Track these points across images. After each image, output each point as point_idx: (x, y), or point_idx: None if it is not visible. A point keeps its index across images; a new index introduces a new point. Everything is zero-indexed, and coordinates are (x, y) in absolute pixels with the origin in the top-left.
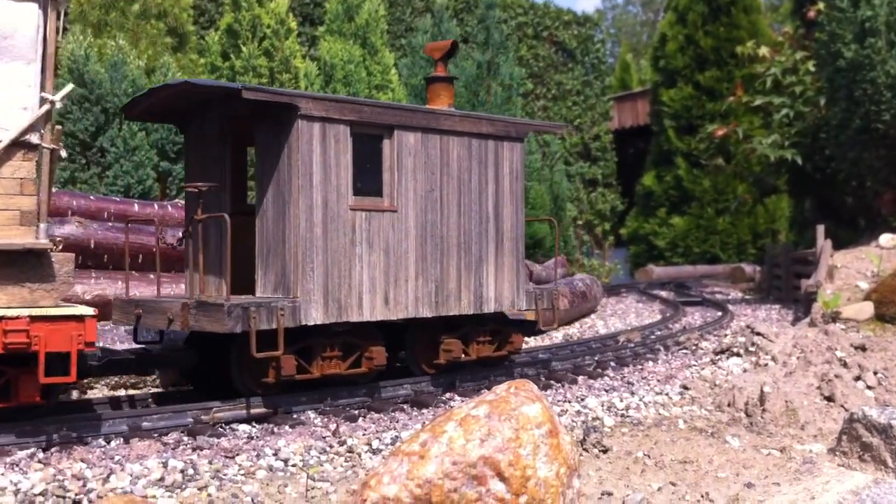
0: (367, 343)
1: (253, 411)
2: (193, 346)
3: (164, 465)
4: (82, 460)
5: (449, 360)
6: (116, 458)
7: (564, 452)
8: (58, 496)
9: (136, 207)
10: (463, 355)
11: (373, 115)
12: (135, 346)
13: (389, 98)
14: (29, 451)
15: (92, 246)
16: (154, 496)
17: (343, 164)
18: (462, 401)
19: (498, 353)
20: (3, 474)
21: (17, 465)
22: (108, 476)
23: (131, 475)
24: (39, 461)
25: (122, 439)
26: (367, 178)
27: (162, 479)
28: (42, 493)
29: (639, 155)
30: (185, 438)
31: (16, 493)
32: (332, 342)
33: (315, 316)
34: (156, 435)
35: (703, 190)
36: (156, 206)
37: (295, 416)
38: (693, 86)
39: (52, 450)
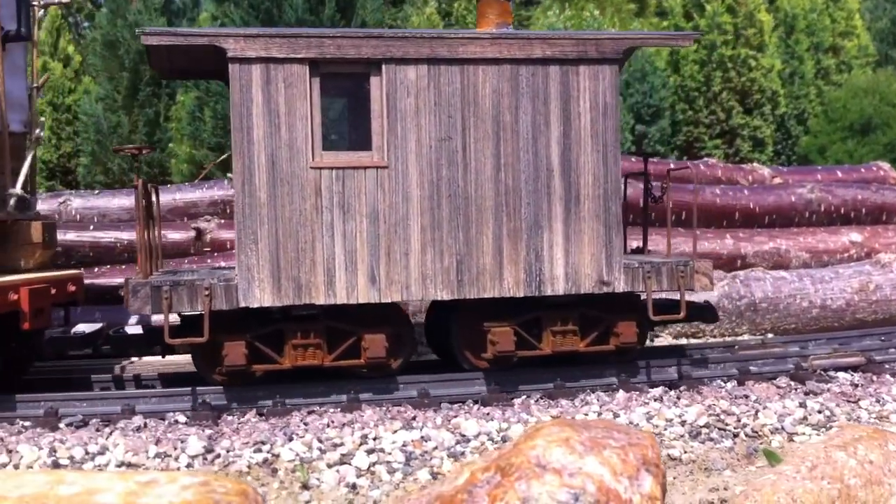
0: (362, 330)
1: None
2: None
3: (803, 405)
4: (722, 398)
5: (497, 353)
6: (752, 396)
7: None
8: (719, 428)
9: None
10: (520, 349)
11: (344, 48)
12: None
13: (853, 46)
14: (659, 390)
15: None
16: (803, 433)
17: (300, 113)
18: None
19: (595, 348)
20: (660, 408)
21: (659, 400)
22: (756, 413)
23: (776, 413)
24: (678, 398)
25: (735, 381)
26: (348, 129)
27: (805, 418)
28: (706, 426)
29: None
30: (793, 383)
31: (682, 423)
32: (307, 328)
33: (260, 297)
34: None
35: None
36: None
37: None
38: None
39: (681, 388)
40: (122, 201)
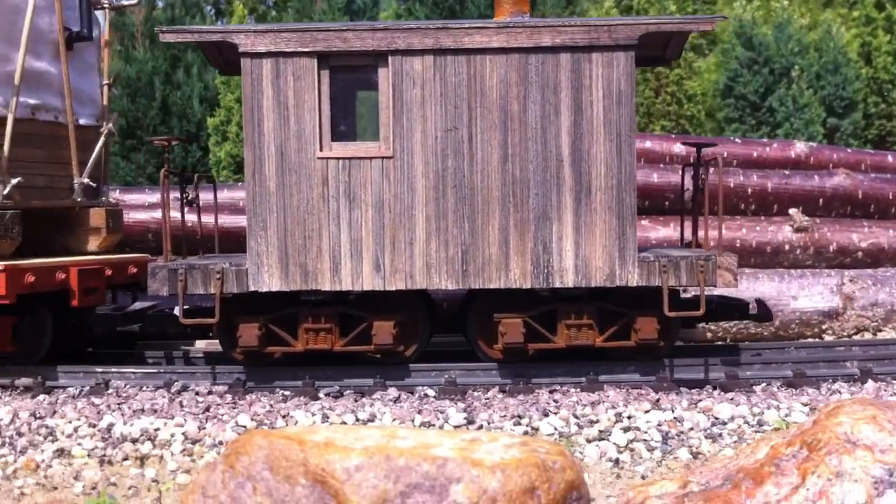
0: (373, 316)
1: None
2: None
3: None
4: None
5: (506, 345)
6: None
7: None
8: None
9: (889, 158)
10: (529, 341)
11: (350, 41)
12: None
13: None
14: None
15: (860, 196)
16: None
17: (309, 106)
18: None
19: (613, 343)
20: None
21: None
22: None
23: None
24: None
25: None
26: (358, 120)
27: None
28: None
29: None
30: None
31: None
32: (318, 313)
33: (269, 282)
34: None
35: None
36: (890, 157)
37: None
38: None
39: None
40: None
